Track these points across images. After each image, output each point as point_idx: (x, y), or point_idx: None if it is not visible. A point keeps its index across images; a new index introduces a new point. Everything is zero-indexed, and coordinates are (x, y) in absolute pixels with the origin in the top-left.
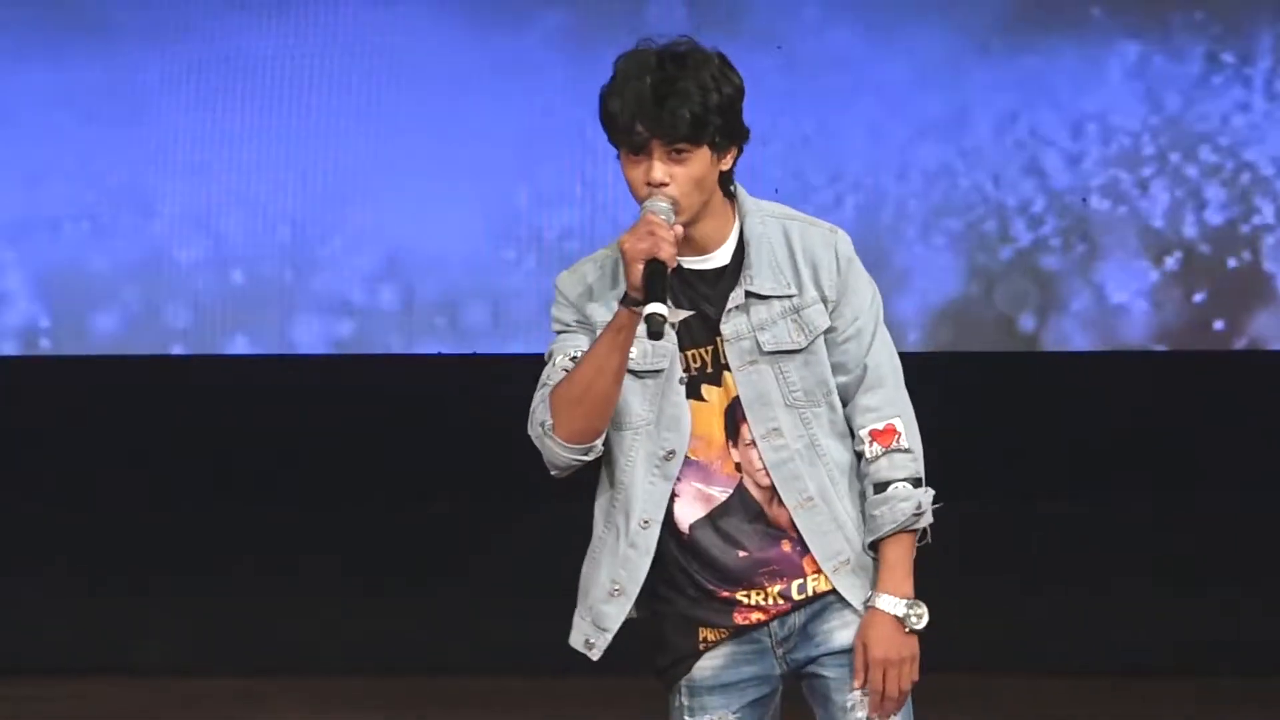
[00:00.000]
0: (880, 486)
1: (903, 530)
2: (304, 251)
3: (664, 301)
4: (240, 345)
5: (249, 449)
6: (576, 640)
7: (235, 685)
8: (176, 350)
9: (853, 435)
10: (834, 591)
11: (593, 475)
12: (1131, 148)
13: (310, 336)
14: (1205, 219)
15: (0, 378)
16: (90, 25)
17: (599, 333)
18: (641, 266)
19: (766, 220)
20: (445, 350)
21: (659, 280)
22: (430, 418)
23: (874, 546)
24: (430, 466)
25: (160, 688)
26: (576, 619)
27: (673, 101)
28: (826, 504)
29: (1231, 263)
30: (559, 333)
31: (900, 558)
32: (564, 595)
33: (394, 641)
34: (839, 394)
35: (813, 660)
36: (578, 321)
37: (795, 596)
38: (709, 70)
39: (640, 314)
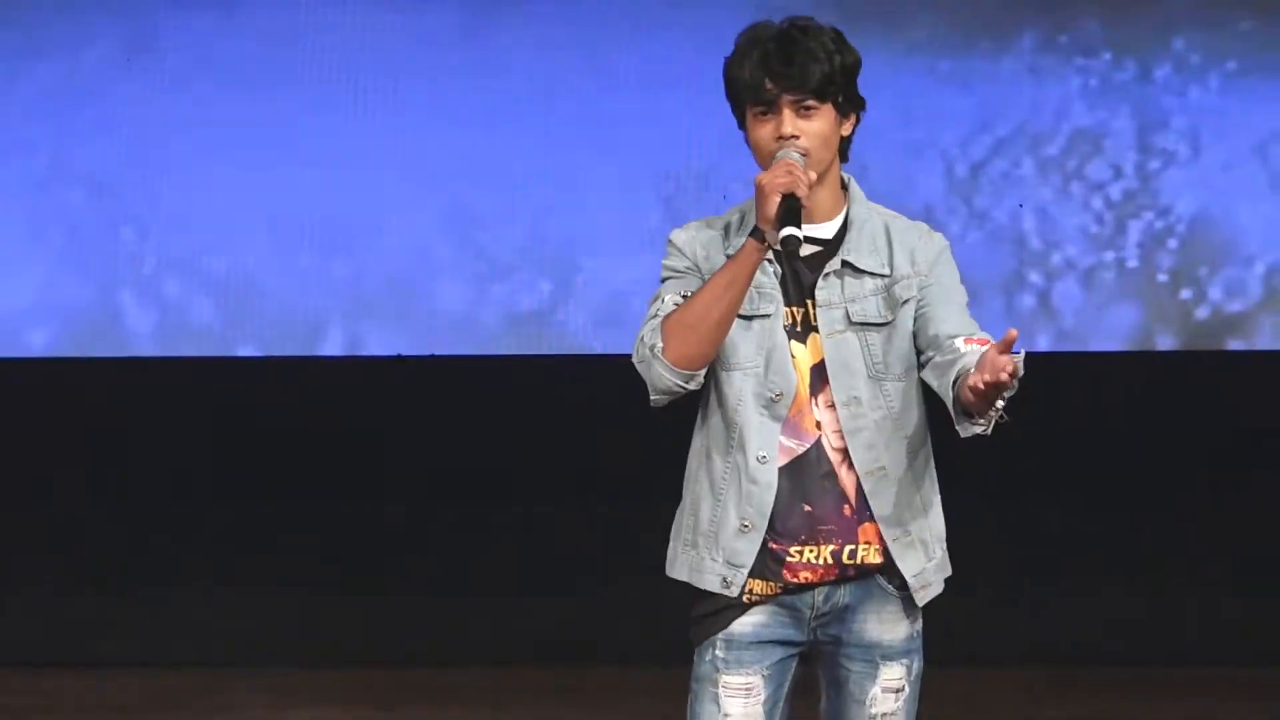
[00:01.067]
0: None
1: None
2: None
3: (799, 228)
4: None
5: (214, 448)
6: (711, 581)
7: (199, 678)
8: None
9: (931, 359)
10: (879, 571)
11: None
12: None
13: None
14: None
15: None
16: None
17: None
18: (778, 199)
19: (871, 213)
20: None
21: (794, 213)
22: (397, 419)
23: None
24: (392, 467)
25: (126, 681)
26: (706, 561)
27: (800, 58)
28: (896, 475)
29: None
30: (667, 279)
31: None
32: (525, 593)
33: (358, 636)
34: (924, 339)
35: (840, 644)
36: (688, 268)
37: (845, 561)
38: (828, 36)
39: (768, 244)
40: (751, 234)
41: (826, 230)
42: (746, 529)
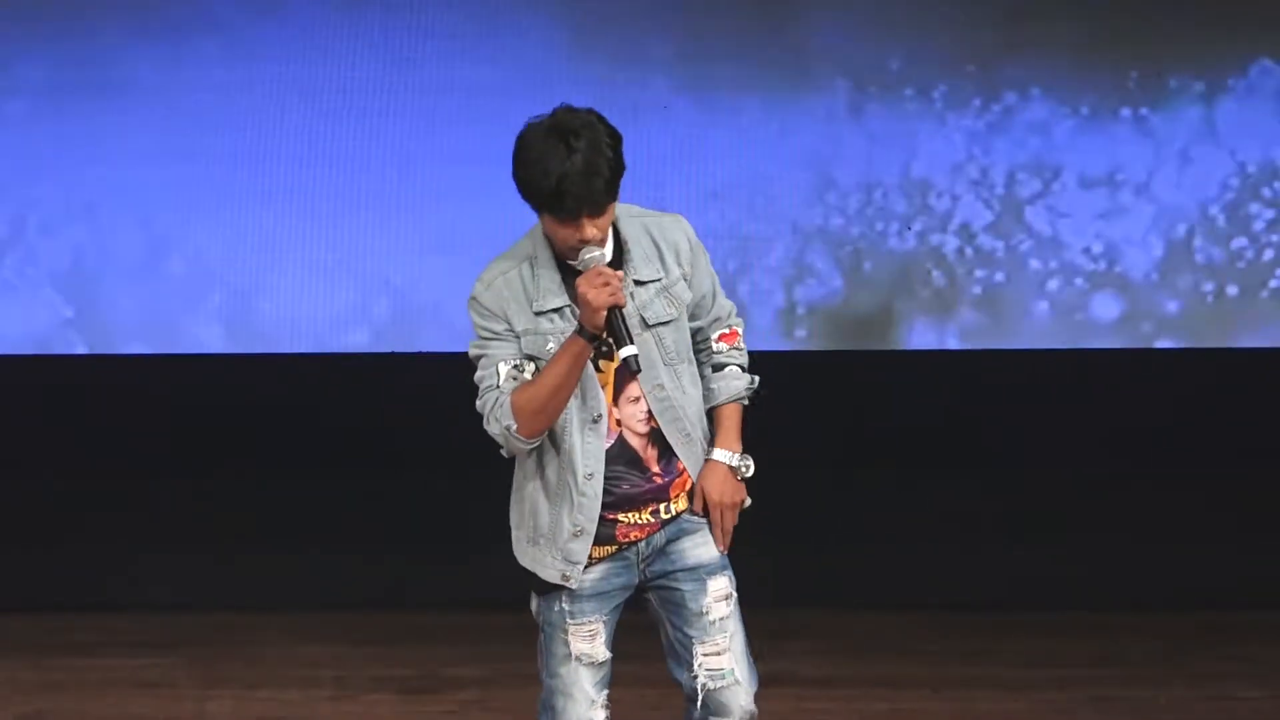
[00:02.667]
0: (719, 367)
1: (734, 400)
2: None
3: (632, 341)
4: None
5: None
6: (552, 575)
7: (226, 618)
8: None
9: (700, 352)
10: (689, 511)
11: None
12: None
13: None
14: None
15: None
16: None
17: (524, 339)
18: (604, 313)
19: (630, 221)
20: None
21: (622, 323)
22: (362, 405)
23: (709, 413)
24: (384, 441)
25: (156, 622)
26: (547, 559)
27: (592, 181)
28: (696, 437)
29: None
30: (487, 339)
31: (733, 421)
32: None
33: (357, 583)
34: (697, 332)
35: (668, 574)
36: (505, 330)
37: (663, 515)
38: (602, 138)
39: (595, 346)
40: (580, 333)
41: (606, 253)
42: (580, 534)
